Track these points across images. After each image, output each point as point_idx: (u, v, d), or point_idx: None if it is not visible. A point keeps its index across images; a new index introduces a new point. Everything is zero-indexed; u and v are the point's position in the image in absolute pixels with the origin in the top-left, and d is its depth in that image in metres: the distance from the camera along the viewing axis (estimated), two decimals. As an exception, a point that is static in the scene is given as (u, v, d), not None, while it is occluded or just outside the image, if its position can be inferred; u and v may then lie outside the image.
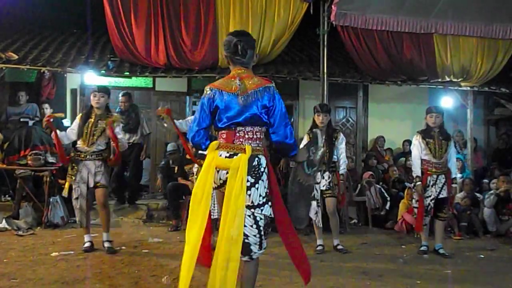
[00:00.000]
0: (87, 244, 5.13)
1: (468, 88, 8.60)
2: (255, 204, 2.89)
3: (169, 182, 7.00)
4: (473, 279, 4.58)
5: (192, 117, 3.63)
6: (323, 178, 5.47)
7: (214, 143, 2.96)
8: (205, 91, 3.06)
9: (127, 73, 7.74)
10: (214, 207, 4.91)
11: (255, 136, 2.95)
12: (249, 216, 2.88)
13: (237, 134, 2.94)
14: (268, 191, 2.95)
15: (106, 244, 5.18)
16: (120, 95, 7.64)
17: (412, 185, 5.64)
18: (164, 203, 7.43)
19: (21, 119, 7.61)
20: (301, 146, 5.54)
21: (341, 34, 7.83)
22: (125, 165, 7.45)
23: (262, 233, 2.92)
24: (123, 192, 7.59)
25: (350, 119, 9.91)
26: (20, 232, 6.03)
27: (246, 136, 2.94)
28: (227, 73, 7.51)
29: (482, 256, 5.66)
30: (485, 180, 8.13)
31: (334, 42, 8.17)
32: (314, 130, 4.80)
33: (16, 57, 7.43)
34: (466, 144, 8.90)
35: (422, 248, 5.57)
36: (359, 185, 7.63)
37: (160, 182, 7.60)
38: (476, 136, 9.40)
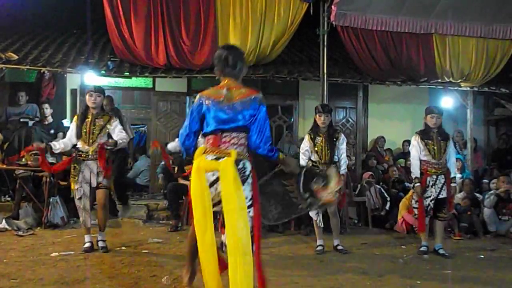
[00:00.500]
0: (87, 244, 5.14)
1: (468, 89, 8.60)
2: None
3: (169, 182, 7.00)
4: (473, 279, 4.58)
5: None
6: (324, 178, 5.47)
7: (201, 148, 3.14)
8: (196, 98, 3.24)
9: (127, 74, 7.74)
10: None
11: (239, 142, 3.13)
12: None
13: (223, 139, 3.12)
14: (252, 194, 3.09)
15: (100, 244, 5.20)
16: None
17: (412, 185, 5.64)
18: (164, 203, 7.43)
19: (21, 120, 7.62)
20: (302, 144, 5.61)
21: (341, 34, 7.84)
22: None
23: (252, 234, 3.03)
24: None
25: (350, 119, 9.91)
26: (20, 233, 6.03)
27: (232, 141, 3.12)
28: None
29: (482, 256, 5.65)
30: (485, 180, 8.14)
31: (334, 43, 8.18)
32: (329, 170, 3.75)
33: (16, 57, 7.44)
34: (466, 145, 8.91)
35: (422, 249, 5.57)
36: (359, 186, 7.63)
37: (162, 182, 7.61)
38: (476, 136, 9.40)
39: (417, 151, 5.50)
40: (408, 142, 7.80)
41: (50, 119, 7.92)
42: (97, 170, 5.11)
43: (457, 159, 8.11)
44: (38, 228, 6.36)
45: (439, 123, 5.48)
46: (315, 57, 8.39)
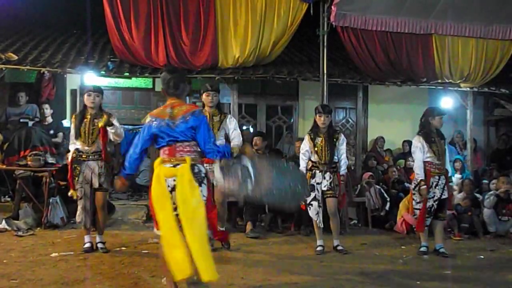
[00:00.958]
0: (87, 245, 5.14)
1: (468, 89, 8.61)
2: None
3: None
4: (473, 280, 4.59)
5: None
6: (325, 178, 5.47)
7: (159, 159, 3.58)
8: (146, 119, 3.70)
9: (127, 74, 7.74)
10: None
11: (192, 149, 3.59)
12: None
13: (177, 149, 3.56)
14: (207, 193, 3.60)
15: (100, 245, 5.21)
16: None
17: (413, 186, 5.62)
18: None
19: (21, 120, 7.61)
20: (302, 145, 5.61)
21: (341, 35, 7.84)
22: None
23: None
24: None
25: (350, 119, 9.91)
26: (20, 233, 6.03)
27: (185, 149, 3.57)
28: (226, 74, 7.57)
29: (482, 256, 5.66)
30: (485, 181, 8.14)
31: (334, 43, 8.18)
32: (241, 157, 3.60)
33: (16, 57, 7.43)
34: (466, 145, 8.91)
35: (422, 249, 5.58)
36: (358, 186, 7.63)
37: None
38: (475, 137, 9.40)
39: (421, 153, 5.48)
40: (408, 142, 7.82)
41: (50, 120, 7.92)
42: (98, 171, 5.11)
43: (457, 159, 8.17)
44: (38, 228, 6.35)
45: (442, 123, 5.53)
46: (315, 58, 8.39)
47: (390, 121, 9.81)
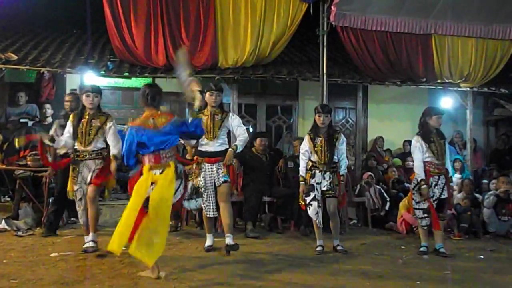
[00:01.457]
0: (87, 245, 5.12)
1: (468, 89, 8.61)
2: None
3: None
4: (473, 280, 4.59)
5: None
6: (324, 178, 5.47)
7: (147, 166, 4.18)
8: (127, 129, 4.32)
9: (127, 74, 7.74)
10: (210, 207, 5.12)
11: (172, 154, 4.29)
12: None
13: (161, 156, 4.20)
14: (181, 183, 4.45)
15: (90, 244, 5.07)
16: (66, 94, 6.51)
17: (413, 186, 5.62)
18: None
19: (21, 120, 7.62)
20: (302, 145, 5.61)
21: (340, 34, 7.85)
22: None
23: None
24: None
25: (349, 119, 9.92)
26: (20, 233, 6.02)
27: (167, 155, 4.23)
28: (226, 74, 7.55)
29: (482, 256, 5.66)
30: (485, 181, 8.14)
31: (333, 43, 8.18)
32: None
33: (16, 57, 7.43)
34: (466, 145, 8.91)
35: (422, 249, 5.58)
36: (358, 186, 7.63)
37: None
38: (475, 137, 9.41)
39: (420, 153, 5.49)
40: (409, 142, 7.81)
41: (50, 119, 7.91)
42: (95, 168, 5.09)
43: (456, 159, 8.16)
44: (38, 228, 6.34)
45: (440, 123, 5.51)
46: (315, 58, 8.40)
47: (390, 121, 9.82)
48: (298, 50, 9.52)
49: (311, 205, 5.41)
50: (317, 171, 5.48)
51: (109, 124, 5.16)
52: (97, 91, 5.22)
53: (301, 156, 5.61)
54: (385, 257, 5.42)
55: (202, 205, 5.20)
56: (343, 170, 5.56)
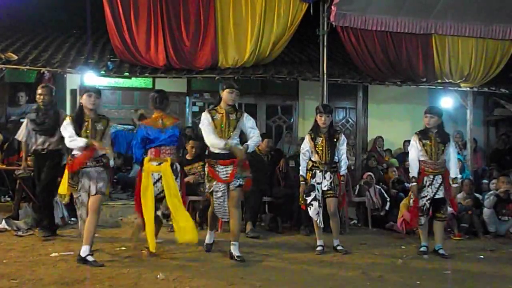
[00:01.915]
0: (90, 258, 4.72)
1: (468, 89, 8.61)
2: None
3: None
4: (473, 280, 4.58)
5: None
6: (325, 178, 5.47)
7: (147, 158, 4.83)
8: (139, 127, 5.00)
9: (127, 74, 7.74)
10: (226, 211, 4.96)
11: (171, 152, 4.88)
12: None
13: (161, 151, 4.83)
14: (180, 183, 4.97)
15: (91, 258, 4.62)
16: (39, 87, 6.00)
17: (410, 185, 5.66)
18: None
19: (21, 120, 7.59)
20: (302, 145, 5.61)
21: (341, 34, 7.84)
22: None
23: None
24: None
25: (350, 119, 9.92)
26: (20, 233, 6.02)
27: (167, 152, 4.85)
28: (226, 74, 7.56)
29: (482, 256, 5.66)
30: (485, 181, 8.14)
31: (333, 43, 8.18)
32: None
33: (16, 57, 7.43)
34: (466, 145, 8.91)
35: (422, 249, 5.58)
36: (358, 186, 7.63)
37: None
38: (475, 137, 9.41)
39: (415, 151, 5.52)
40: (409, 142, 7.81)
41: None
42: (96, 177, 4.73)
43: (457, 159, 8.14)
44: (38, 228, 6.33)
45: (433, 123, 5.47)
46: (315, 58, 8.40)
47: (390, 121, 9.82)
48: (298, 50, 9.52)
49: (312, 205, 5.41)
50: (318, 171, 5.48)
51: (109, 127, 4.98)
52: (98, 92, 4.90)
53: (301, 156, 5.61)
54: (385, 257, 5.42)
55: (215, 209, 4.99)
56: (343, 170, 5.57)
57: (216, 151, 4.93)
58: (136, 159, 5.02)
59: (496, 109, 10.09)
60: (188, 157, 7.04)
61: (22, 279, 4.11)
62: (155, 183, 4.80)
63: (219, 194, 4.91)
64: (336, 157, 5.53)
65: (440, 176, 5.44)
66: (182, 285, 4.08)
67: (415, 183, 5.46)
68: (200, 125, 5.03)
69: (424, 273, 4.73)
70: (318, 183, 5.46)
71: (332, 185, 5.46)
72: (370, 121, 9.94)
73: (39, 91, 5.81)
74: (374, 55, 8.00)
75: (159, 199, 4.84)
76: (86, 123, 4.77)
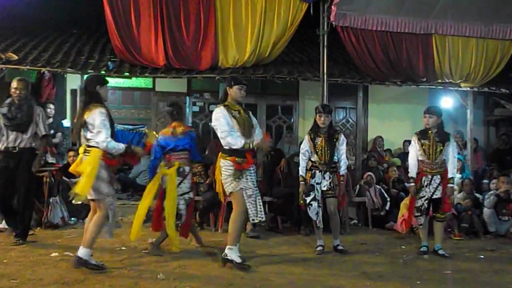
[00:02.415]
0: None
1: (468, 89, 8.60)
2: (185, 192, 5.29)
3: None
4: (473, 280, 4.58)
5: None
6: (324, 178, 5.47)
7: (162, 164, 5.29)
8: (158, 138, 5.39)
9: (127, 74, 7.74)
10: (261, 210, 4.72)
11: (181, 157, 5.28)
12: (182, 198, 5.27)
13: (172, 156, 5.28)
14: (191, 183, 5.36)
15: (95, 262, 4.44)
16: (14, 80, 5.55)
17: (408, 185, 5.67)
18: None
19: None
20: (302, 145, 5.61)
21: (341, 34, 7.84)
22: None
23: (187, 206, 5.32)
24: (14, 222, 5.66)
25: (350, 119, 9.91)
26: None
27: (176, 157, 5.27)
28: (226, 74, 7.52)
29: (482, 256, 5.65)
30: (485, 181, 8.13)
31: (334, 43, 8.18)
32: None
33: (16, 57, 7.44)
34: (466, 145, 8.90)
35: (422, 249, 5.58)
36: (358, 186, 7.63)
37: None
38: (475, 137, 9.40)
39: (414, 151, 5.55)
40: (409, 142, 7.82)
41: (50, 120, 7.91)
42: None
43: (457, 159, 8.14)
44: (38, 228, 6.35)
45: (432, 123, 5.47)
46: (315, 57, 8.39)
47: (390, 121, 9.82)
48: (298, 50, 9.52)
49: (311, 205, 5.40)
50: (317, 171, 5.48)
51: None
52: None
53: (301, 156, 5.61)
54: (385, 257, 5.42)
55: (249, 209, 4.65)
56: (343, 170, 5.56)
57: (241, 148, 4.59)
58: (151, 166, 5.40)
59: (496, 109, 10.08)
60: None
61: (22, 279, 4.11)
62: (178, 184, 5.23)
63: (250, 192, 4.63)
64: (335, 157, 5.52)
65: (439, 176, 5.44)
66: (182, 285, 4.08)
67: (413, 183, 5.49)
68: (216, 122, 4.61)
69: (424, 273, 4.73)
70: (317, 183, 5.45)
71: (332, 185, 5.46)
72: (370, 121, 9.94)
73: (14, 84, 5.42)
74: (374, 55, 8.00)
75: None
76: None
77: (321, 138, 5.49)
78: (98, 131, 4.34)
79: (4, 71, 7.49)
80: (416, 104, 9.19)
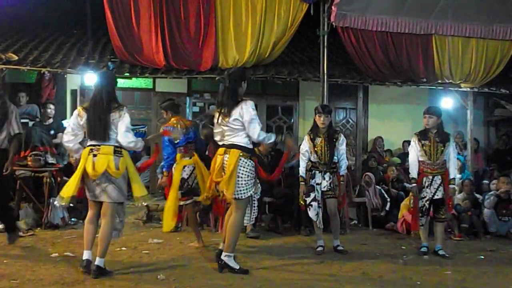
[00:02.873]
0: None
1: (468, 89, 8.60)
2: None
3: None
4: (473, 280, 4.58)
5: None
6: (324, 179, 5.47)
7: (179, 155, 5.45)
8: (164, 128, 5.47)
9: (127, 74, 7.74)
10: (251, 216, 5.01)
11: (192, 148, 5.47)
12: None
13: (187, 149, 5.42)
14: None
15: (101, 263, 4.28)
16: None
17: (410, 186, 5.66)
18: (164, 204, 7.40)
19: (21, 120, 7.58)
20: (302, 145, 5.61)
21: (341, 35, 7.84)
22: None
23: None
24: None
25: (350, 120, 9.92)
26: (20, 233, 6.00)
27: (191, 148, 5.47)
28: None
29: (482, 257, 5.65)
30: (485, 181, 8.13)
31: (334, 43, 8.19)
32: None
33: (17, 58, 7.43)
34: (466, 145, 8.90)
35: (422, 249, 5.57)
36: (358, 186, 7.62)
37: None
38: (476, 137, 9.40)
39: (414, 152, 5.54)
40: (408, 142, 7.82)
41: (51, 120, 7.91)
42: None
43: (457, 159, 8.14)
44: (38, 228, 6.36)
45: (432, 123, 5.47)
46: (315, 58, 8.39)
47: (390, 121, 9.82)
48: (298, 51, 9.52)
49: (311, 205, 5.41)
50: (317, 172, 5.48)
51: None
52: None
53: (301, 156, 5.61)
54: (385, 257, 5.41)
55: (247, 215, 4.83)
56: (343, 171, 5.56)
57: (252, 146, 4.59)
58: (167, 159, 5.54)
59: (496, 109, 10.09)
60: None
61: (23, 279, 4.12)
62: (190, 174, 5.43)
63: (255, 196, 4.83)
64: (335, 158, 5.52)
65: (439, 177, 5.44)
66: (182, 285, 4.08)
67: (414, 184, 5.48)
68: (254, 113, 4.60)
69: (424, 274, 4.73)
70: (317, 184, 5.45)
71: (332, 185, 5.46)
72: (371, 121, 9.94)
73: None
74: (374, 55, 8.00)
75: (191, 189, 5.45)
76: None
77: (320, 139, 5.49)
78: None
79: (4, 71, 7.49)
80: (416, 105, 9.19)
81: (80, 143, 4.42)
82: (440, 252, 5.47)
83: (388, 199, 7.44)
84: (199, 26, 7.77)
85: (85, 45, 8.75)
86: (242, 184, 4.37)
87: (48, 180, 6.57)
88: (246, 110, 4.44)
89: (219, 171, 4.45)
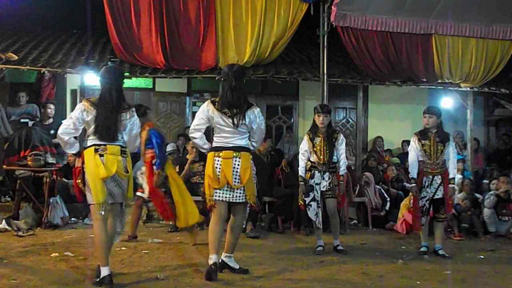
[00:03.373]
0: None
1: (468, 89, 8.60)
2: None
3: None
4: (473, 280, 4.58)
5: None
6: (324, 179, 5.47)
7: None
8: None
9: (127, 74, 7.72)
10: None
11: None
12: None
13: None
14: None
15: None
16: None
17: (409, 186, 5.65)
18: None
19: (21, 120, 7.60)
20: (301, 145, 5.61)
21: (341, 35, 7.84)
22: None
23: None
24: None
25: (350, 119, 9.91)
26: (20, 233, 6.02)
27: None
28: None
29: (482, 256, 5.66)
30: (485, 181, 8.13)
31: (334, 43, 8.18)
32: None
33: (16, 57, 7.43)
34: (466, 145, 8.90)
35: (422, 249, 5.58)
36: (358, 186, 7.62)
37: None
38: (476, 137, 9.39)
39: (414, 152, 5.53)
40: (407, 142, 7.82)
41: (50, 120, 7.92)
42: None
43: (457, 159, 8.14)
44: (38, 228, 6.36)
45: (432, 123, 5.47)
46: (315, 58, 8.39)
47: (390, 121, 9.82)
48: (298, 50, 9.51)
49: (311, 205, 5.41)
50: (316, 172, 5.48)
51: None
52: None
53: (300, 156, 5.61)
54: (385, 257, 5.41)
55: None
56: (342, 170, 5.56)
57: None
58: (161, 159, 5.43)
59: (496, 109, 10.07)
60: (188, 156, 7.03)
61: (22, 279, 4.11)
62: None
63: None
64: (335, 157, 5.52)
65: (439, 177, 5.44)
66: (182, 285, 4.08)
67: (414, 184, 5.47)
68: (263, 118, 4.51)
69: (424, 273, 4.73)
70: (317, 184, 5.46)
71: (331, 185, 5.46)
72: (370, 121, 9.94)
73: None
74: (374, 55, 8.00)
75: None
76: None
77: (320, 138, 5.49)
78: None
79: (4, 71, 7.49)
80: (416, 104, 9.18)
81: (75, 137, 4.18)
82: (440, 252, 5.48)
83: (388, 199, 7.44)
84: (199, 26, 7.76)
85: (85, 45, 8.74)
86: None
87: (48, 180, 6.57)
88: (259, 117, 4.37)
89: (231, 175, 4.26)
